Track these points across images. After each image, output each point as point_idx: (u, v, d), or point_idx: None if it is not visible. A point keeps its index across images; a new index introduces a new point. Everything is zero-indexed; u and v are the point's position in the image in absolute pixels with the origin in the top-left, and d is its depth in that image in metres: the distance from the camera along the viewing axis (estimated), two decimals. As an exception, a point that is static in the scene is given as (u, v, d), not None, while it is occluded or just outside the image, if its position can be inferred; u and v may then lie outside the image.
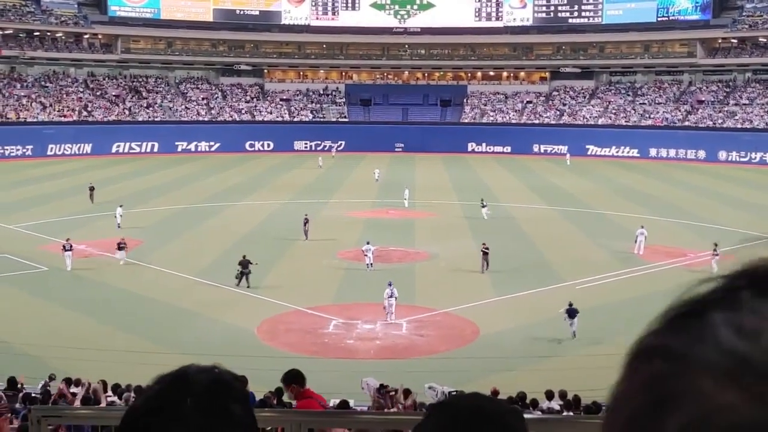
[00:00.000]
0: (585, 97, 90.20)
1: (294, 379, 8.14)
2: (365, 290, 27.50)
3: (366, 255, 31.31)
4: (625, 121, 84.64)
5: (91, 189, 47.17)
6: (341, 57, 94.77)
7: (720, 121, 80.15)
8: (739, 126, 78.28)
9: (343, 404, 13.14)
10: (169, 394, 1.31)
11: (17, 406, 13.90)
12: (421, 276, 30.81)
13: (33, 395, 15.05)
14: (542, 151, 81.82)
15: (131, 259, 32.78)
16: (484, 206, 42.90)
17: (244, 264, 28.59)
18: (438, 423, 1.38)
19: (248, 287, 28.27)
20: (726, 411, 0.54)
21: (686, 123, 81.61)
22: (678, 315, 0.64)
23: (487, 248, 31.33)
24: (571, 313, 23.40)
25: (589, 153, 79.52)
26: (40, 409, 3.54)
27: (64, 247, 31.35)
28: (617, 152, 79.96)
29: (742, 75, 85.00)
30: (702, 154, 76.30)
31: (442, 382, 16.48)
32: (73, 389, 15.39)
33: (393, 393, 15.08)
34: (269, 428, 4.72)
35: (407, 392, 15.21)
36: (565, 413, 13.49)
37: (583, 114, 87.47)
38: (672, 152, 77.94)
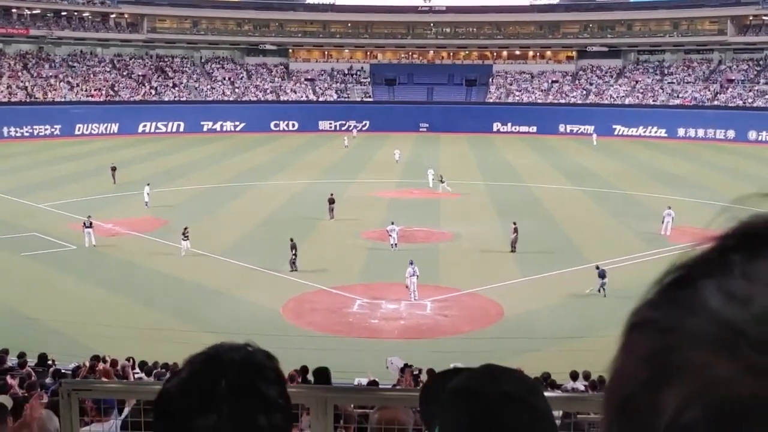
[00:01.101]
0: (612, 76, 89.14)
1: None
2: (390, 270, 27.53)
3: (390, 235, 31.34)
4: (653, 101, 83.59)
5: (113, 169, 47.35)
6: (366, 36, 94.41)
7: (750, 100, 78.86)
8: (769, 105, 77.02)
9: (372, 384, 13.24)
10: (203, 377, 1.31)
11: (47, 380, 14.13)
12: (445, 256, 30.78)
13: (63, 371, 15.29)
14: (568, 131, 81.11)
15: (157, 237, 33.10)
16: (442, 182, 44.40)
17: (294, 246, 28.31)
18: (453, 408, 1.37)
19: (294, 270, 28.02)
20: (722, 384, 0.52)
21: (715, 102, 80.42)
22: (670, 283, 0.62)
23: (515, 228, 31.36)
24: (602, 274, 25.14)
25: (616, 133, 78.71)
26: (71, 383, 3.59)
27: (84, 224, 31.77)
28: (644, 132, 79.05)
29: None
30: (731, 133, 75.18)
31: (466, 362, 16.49)
32: (101, 366, 15.60)
33: (417, 372, 15.15)
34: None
35: (432, 372, 15.28)
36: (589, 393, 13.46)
37: (610, 93, 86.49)
38: (701, 132, 76.90)
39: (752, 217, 0.62)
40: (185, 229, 30.63)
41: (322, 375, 10.96)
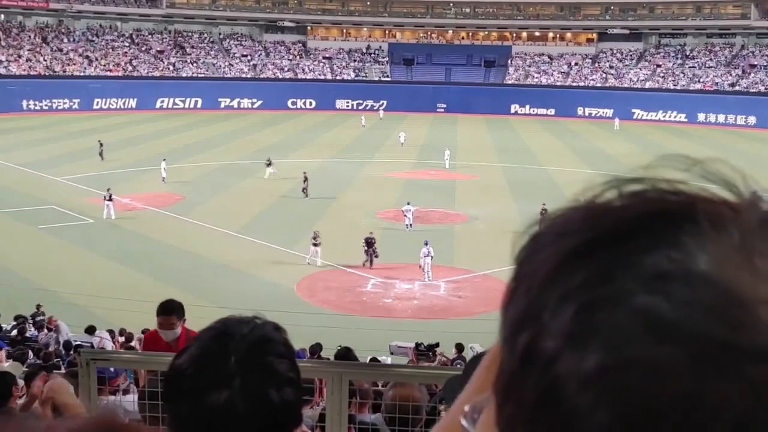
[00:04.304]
0: (633, 60, 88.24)
1: (179, 309, 6.73)
2: (404, 250, 27.51)
3: (405, 215, 31.29)
4: (674, 85, 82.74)
5: (101, 145, 46.01)
6: (385, 15, 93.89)
7: (773, 86, 77.94)
8: (792, 92, 76.05)
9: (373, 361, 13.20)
10: (213, 353, 1.31)
11: (62, 351, 14.26)
12: (460, 237, 30.74)
13: (75, 343, 15.42)
14: (587, 114, 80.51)
15: (174, 213, 33.23)
16: (269, 165, 41.60)
17: (369, 242, 26.49)
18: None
19: (369, 267, 26.35)
20: (738, 407, 0.46)
21: (737, 87, 79.50)
22: (578, 310, 0.51)
23: (544, 209, 31.03)
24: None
25: (635, 117, 78.03)
26: (89, 353, 3.61)
27: (104, 197, 32.08)
28: (664, 117, 78.31)
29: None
30: (752, 119, 74.29)
31: (481, 343, 16.54)
32: (119, 339, 15.75)
33: (435, 344, 15.47)
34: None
35: (459, 346, 15.79)
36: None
37: (630, 77, 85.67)
38: (721, 117, 76.03)
39: (592, 217, 0.54)
40: (315, 233, 26.49)
41: (345, 356, 9.88)
